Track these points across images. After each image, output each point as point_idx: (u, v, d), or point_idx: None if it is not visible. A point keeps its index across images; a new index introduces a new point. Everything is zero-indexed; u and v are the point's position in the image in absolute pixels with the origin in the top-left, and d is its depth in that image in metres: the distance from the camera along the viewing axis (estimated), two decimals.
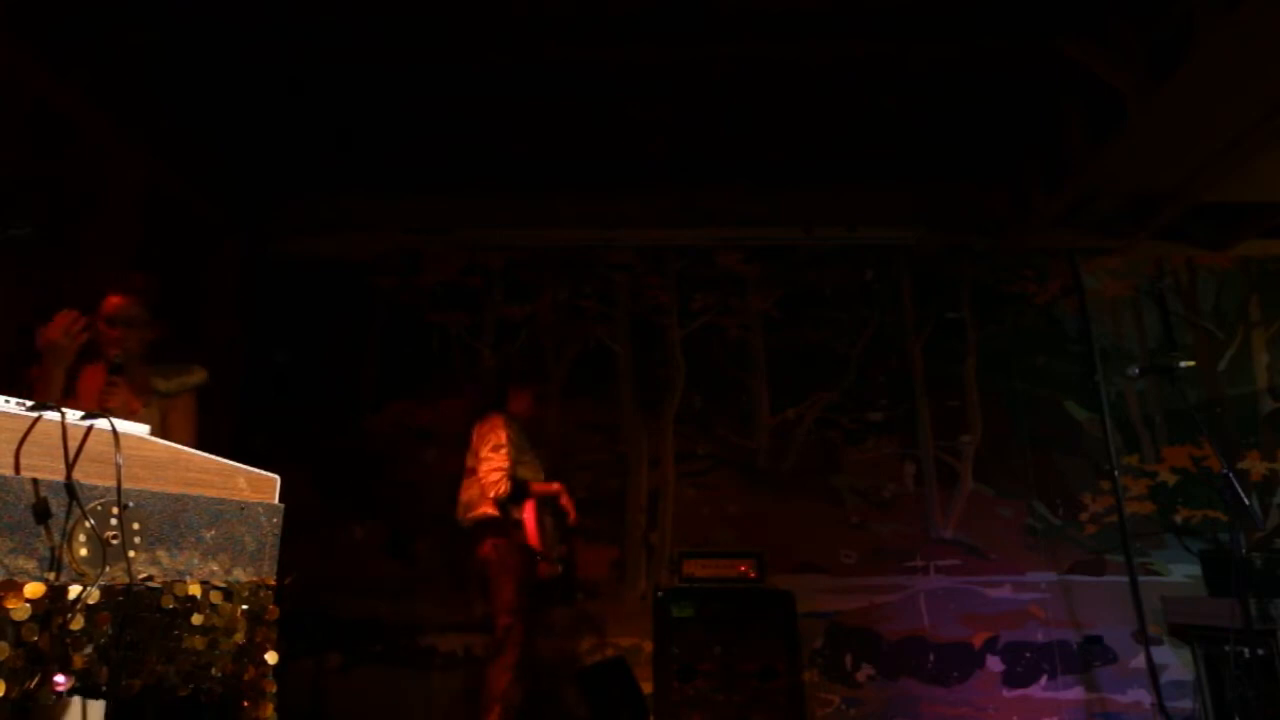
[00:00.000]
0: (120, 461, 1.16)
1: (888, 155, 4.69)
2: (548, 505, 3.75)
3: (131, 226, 3.90)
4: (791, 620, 3.87)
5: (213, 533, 1.30)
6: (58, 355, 2.24)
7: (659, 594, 3.99)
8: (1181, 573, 4.39)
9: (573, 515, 3.75)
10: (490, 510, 3.53)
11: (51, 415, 1.15)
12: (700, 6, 3.51)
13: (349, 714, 4.23)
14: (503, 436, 3.62)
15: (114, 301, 2.52)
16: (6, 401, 1.13)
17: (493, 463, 3.58)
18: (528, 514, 3.54)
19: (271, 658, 1.35)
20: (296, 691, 4.14)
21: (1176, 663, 4.20)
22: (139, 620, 1.15)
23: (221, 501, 1.33)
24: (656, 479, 4.69)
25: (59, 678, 1.04)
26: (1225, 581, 3.60)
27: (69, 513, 1.10)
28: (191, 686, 1.25)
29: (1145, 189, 4.32)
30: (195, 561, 1.27)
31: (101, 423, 1.20)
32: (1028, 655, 4.33)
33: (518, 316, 4.96)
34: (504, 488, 3.53)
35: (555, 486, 3.75)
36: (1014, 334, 4.88)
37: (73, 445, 1.15)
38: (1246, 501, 3.01)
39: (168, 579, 1.21)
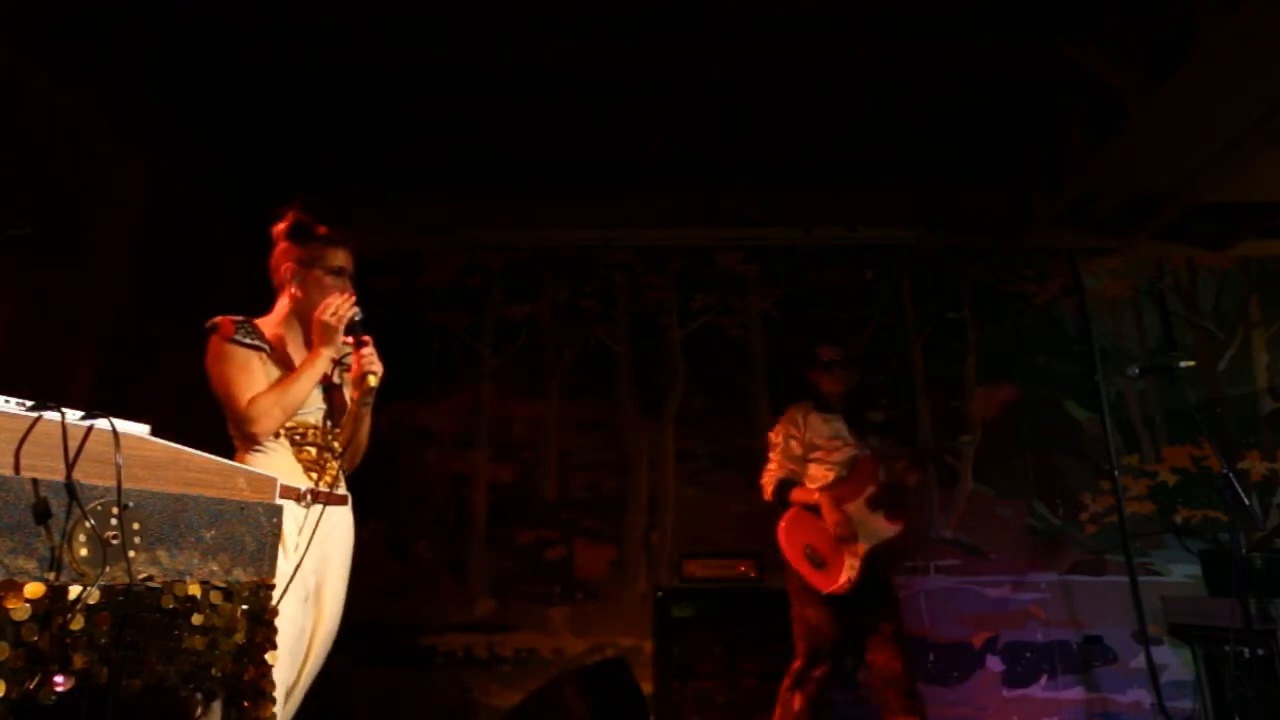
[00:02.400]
0: (120, 461, 1.16)
1: (888, 155, 4.68)
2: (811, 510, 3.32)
3: (131, 226, 3.89)
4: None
5: (213, 533, 1.30)
6: (331, 338, 2.14)
7: (659, 594, 4.00)
8: (1181, 573, 4.38)
9: (832, 530, 3.17)
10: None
11: (51, 415, 1.15)
12: (700, 6, 3.50)
13: (349, 714, 4.22)
14: (778, 435, 3.39)
15: (344, 251, 2.33)
16: (6, 401, 1.13)
17: (766, 464, 3.39)
18: (781, 526, 3.25)
19: (271, 658, 1.35)
20: None
21: (1176, 663, 4.20)
22: (139, 620, 1.15)
23: (221, 501, 1.33)
24: (656, 479, 4.68)
25: (59, 678, 1.04)
26: (1225, 581, 3.59)
27: (69, 513, 1.09)
28: (191, 686, 1.25)
29: (1145, 189, 4.31)
30: (195, 561, 1.26)
31: (101, 423, 1.20)
32: (1028, 655, 4.33)
33: (518, 316, 4.95)
34: (766, 494, 3.34)
35: (814, 498, 3.24)
36: (1014, 334, 4.87)
37: (72, 445, 1.14)
38: (1246, 501, 3.01)
39: (168, 579, 1.21)
